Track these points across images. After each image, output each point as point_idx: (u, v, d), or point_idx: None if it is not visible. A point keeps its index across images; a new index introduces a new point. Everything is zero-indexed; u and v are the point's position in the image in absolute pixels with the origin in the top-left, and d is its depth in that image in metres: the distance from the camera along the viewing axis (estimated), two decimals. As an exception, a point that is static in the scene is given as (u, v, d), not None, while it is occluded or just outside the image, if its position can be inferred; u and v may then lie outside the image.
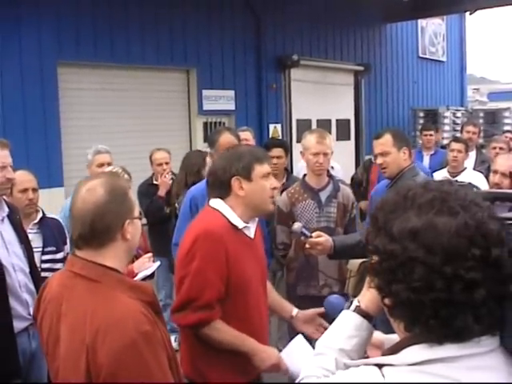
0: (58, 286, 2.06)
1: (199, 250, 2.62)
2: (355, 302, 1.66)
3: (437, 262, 1.20)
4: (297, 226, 3.62)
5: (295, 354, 2.74)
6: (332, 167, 7.09)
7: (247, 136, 6.45)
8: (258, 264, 2.88)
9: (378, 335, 1.72)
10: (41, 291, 2.16)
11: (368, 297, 1.63)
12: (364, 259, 4.09)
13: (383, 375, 1.25)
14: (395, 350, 1.32)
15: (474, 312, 1.22)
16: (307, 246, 3.61)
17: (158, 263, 3.68)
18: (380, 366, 1.28)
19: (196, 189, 4.16)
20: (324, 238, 3.58)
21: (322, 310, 2.95)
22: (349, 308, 1.66)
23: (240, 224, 2.75)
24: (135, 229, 2.07)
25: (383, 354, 1.38)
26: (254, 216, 2.85)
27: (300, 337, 2.83)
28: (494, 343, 1.27)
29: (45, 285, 2.17)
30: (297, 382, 1.60)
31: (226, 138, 4.45)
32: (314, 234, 3.59)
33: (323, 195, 4.31)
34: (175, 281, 2.76)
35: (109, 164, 5.08)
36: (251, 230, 2.84)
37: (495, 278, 1.22)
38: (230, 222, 2.73)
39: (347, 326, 1.62)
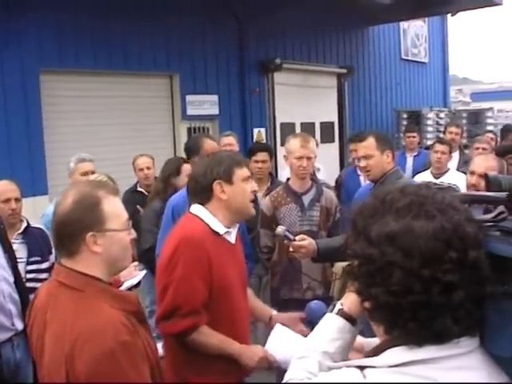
0: (45, 295, 2.07)
1: (181, 256, 2.64)
2: (338, 305, 1.67)
3: (414, 266, 1.22)
4: (280, 229, 3.63)
5: (279, 344, 2.77)
6: (318, 168, 7.13)
7: (231, 141, 6.45)
8: (239, 268, 2.91)
9: (358, 339, 1.74)
10: (32, 299, 2.18)
11: (350, 300, 1.64)
12: (347, 263, 4.10)
13: (364, 376, 1.28)
14: (376, 352, 1.35)
15: (453, 314, 1.24)
16: (291, 249, 3.62)
17: (144, 272, 3.67)
18: (362, 367, 1.30)
19: (178, 197, 4.15)
20: (307, 241, 3.58)
21: (298, 314, 2.98)
22: (332, 311, 1.67)
23: (221, 230, 2.77)
24: (109, 242, 2.02)
25: (365, 357, 1.40)
26: (236, 220, 2.88)
27: (279, 326, 2.85)
28: (474, 344, 1.29)
29: (36, 293, 2.18)
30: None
31: (210, 145, 4.47)
32: (297, 238, 3.59)
33: (306, 199, 4.33)
34: (157, 289, 2.76)
35: (92, 172, 4.98)
36: (232, 235, 2.87)
37: (473, 280, 1.24)
38: (210, 227, 2.75)
39: (330, 328, 1.63)
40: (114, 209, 2.06)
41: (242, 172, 2.82)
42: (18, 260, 3.93)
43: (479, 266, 1.25)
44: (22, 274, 3.97)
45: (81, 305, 1.94)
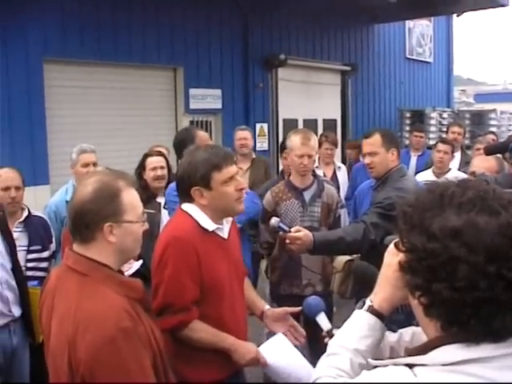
0: (54, 279, 2.11)
1: (170, 256, 2.65)
2: (368, 302, 1.63)
3: (480, 261, 1.20)
4: (274, 220, 3.55)
5: (275, 350, 2.76)
6: (339, 167, 7.17)
7: (246, 135, 6.57)
8: (233, 264, 2.87)
9: None
10: (44, 283, 2.22)
11: (381, 296, 1.60)
12: (350, 258, 4.11)
13: (415, 375, 1.24)
14: (425, 349, 1.31)
15: None
16: (287, 241, 3.56)
17: (140, 262, 3.68)
18: (410, 366, 1.27)
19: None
20: (303, 233, 3.50)
21: (294, 309, 2.96)
22: (361, 308, 1.63)
23: (210, 226, 2.75)
24: (124, 233, 2.05)
25: (410, 354, 1.36)
26: (223, 218, 2.84)
27: (281, 335, 2.84)
28: None
29: (48, 277, 2.22)
30: (311, 381, 1.57)
31: (202, 137, 4.46)
32: (292, 229, 3.52)
33: (307, 195, 4.33)
34: (152, 287, 2.76)
35: (94, 164, 4.97)
36: (224, 230, 2.84)
37: None
38: (200, 225, 2.73)
39: (361, 326, 1.59)
40: (132, 200, 2.10)
41: (220, 176, 2.70)
42: (19, 248, 3.93)
43: None
44: (22, 263, 3.98)
45: (85, 289, 1.97)
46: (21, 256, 3.94)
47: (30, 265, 4.07)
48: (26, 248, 4.09)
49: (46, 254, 4.18)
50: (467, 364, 1.23)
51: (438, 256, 1.24)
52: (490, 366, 1.22)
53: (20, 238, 4.05)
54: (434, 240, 1.25)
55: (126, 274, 3.21)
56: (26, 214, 4.19)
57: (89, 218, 2.01)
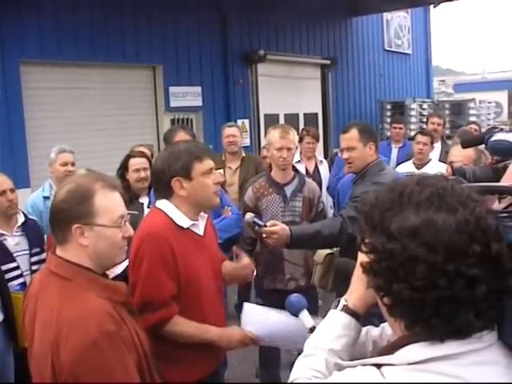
0: (37, 283, 2.09)
1: (145, 253, 2.65)
2: (342, 301, 1.62)
3: (439, 260, 1.19)
4: (248, 216, 3.54)
5: (253, 321, 2.77)
6: (321, 161, 7.17)
7: (235, 132, 6.48)
8: (210, 260, 2.89)
9: None
10: (27, 287, 2.21)
11: (355, 295, 1.59)
12: (330, 251, 4.12)
13: (383, 375, 1.24)
14: (392, 348, 1.31)
15: (475, 308, 1.22)
16: (263, 235, 3.55)
17: (127, 261, 3.67)
18: (378, 365, 1.27)
19: None
20: (279, 227, 3.49)
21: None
22: (336, 307, 1.62)
23: (185, 223, 2.76)
24: (97, 236, 2.01)
25: (380, 354, 1.35)
26: (200, 211, 2.86)
27: (246, 304, 2.85)
28: (493, 338, 1.27)
29: (31, 281, 2.23)
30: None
31: (180, 137, 4.50)
32: (268, 224, 3.52)
33: (288, 190, 4.35)
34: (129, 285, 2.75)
35: (72, 164, 5.11)
36: (200, 226, 2.86)
37: (495, 273, 1.22)
38: (174, 222, 2.74)
39: (335, 325, 1.58)
40: (108, 204, 2.04)
41: (201, 166, 2.74)
42: (22, 252, 3.98)
43: (501, 259, 1.23)
44: (27, 267, 3.99)
45: (67, 293, 1.95)
46: (25, 260, 3.97)
47: (34, 268, 4.05)
48: (28, 252, 4.08)
49: (44, 256, 4.16)
50: (433, 362, 1.22)
51: (397, 256, 1.23)
52: (456, 362, 1.22)
53: (21, 243, 4.06)
54: (392, 240, 1.24)
55: (112, 274, 3.22)
56: (22, 218, 4.18)
57: (60, 218, 2.00)
